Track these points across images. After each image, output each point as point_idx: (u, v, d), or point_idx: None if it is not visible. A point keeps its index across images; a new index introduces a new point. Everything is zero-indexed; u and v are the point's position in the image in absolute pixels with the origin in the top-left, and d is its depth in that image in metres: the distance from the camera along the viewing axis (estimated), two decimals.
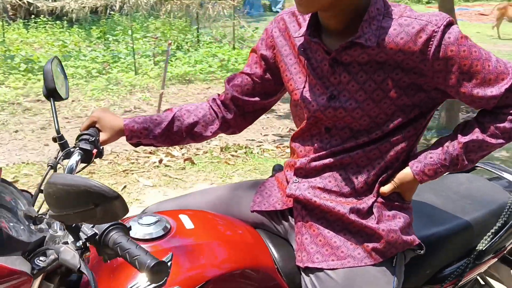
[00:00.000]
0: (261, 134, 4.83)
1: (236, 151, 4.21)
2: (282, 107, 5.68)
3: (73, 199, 0.77)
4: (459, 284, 1.37)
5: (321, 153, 1.20)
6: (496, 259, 1.47)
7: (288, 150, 3.40)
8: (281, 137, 4.75)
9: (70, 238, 0.89)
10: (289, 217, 1.28)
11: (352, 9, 1.12)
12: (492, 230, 1.39)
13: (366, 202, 1.18)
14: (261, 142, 4.57)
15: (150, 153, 4.07)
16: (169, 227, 1.14)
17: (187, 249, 1.12)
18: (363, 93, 1.13)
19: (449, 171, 1.19)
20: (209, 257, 1.13)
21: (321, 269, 1.16)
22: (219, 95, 1.39)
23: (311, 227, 1.20)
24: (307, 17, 1.19)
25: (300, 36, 1.19)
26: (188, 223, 1.19)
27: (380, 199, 1.19)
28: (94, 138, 1.22)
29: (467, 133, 1.16)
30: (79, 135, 1.24)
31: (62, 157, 1.17)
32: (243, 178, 3.61)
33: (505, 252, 1.48)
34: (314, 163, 1.21)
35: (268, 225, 1.32)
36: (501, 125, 1.13)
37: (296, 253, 1.22)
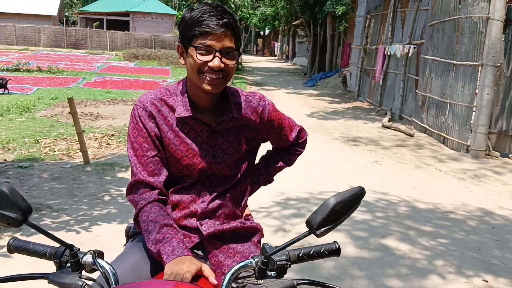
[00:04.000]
0: None
1: None
2: None
3: None
4: None
5: (212, 196, 1.62)
6: None
7: None
8: None
9: None
10: (195, 251, 1.61)
11: (220, 93, 1.60)
12: None
13: (243, 217, 1.71)
14: None
15: None
16: None
17: None
18: (232, 149, 1.64)
19: (265, 185, 1.88)
20: None
21: None
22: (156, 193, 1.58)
23: (220, 247, 1.61)
24: (177, 101, 1.58)
25: (184, 116, 1.57)
26: None
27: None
28: None
29: (274, 165, 1.87)
30: None
31: None
32: None
33: None
34: (210, 205, 1.61)
35: None
36: (293, 157, 1.90)
37: (215, 272, 1.52)
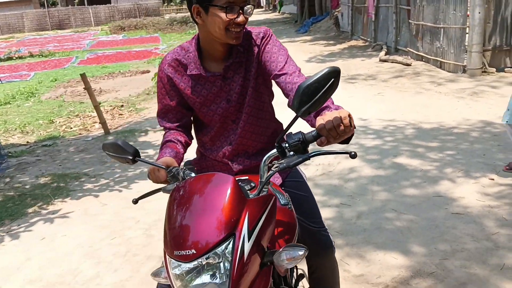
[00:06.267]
0: None
1: None
2: None
3: None
4: None
5: (237, 136, 1.80)
6: None
7: None
8: None
9: None
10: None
11: None
12: None
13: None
14: None
15: None
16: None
17: None
18: (245, 89, 1.76)
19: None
20: None
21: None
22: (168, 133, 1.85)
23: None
24: (190, 58, 1.74)
25: (195, 73, 1.73)
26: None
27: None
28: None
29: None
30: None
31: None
32: None
33: None
34: (237, 145, 1.81)
35: None
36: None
37: None
